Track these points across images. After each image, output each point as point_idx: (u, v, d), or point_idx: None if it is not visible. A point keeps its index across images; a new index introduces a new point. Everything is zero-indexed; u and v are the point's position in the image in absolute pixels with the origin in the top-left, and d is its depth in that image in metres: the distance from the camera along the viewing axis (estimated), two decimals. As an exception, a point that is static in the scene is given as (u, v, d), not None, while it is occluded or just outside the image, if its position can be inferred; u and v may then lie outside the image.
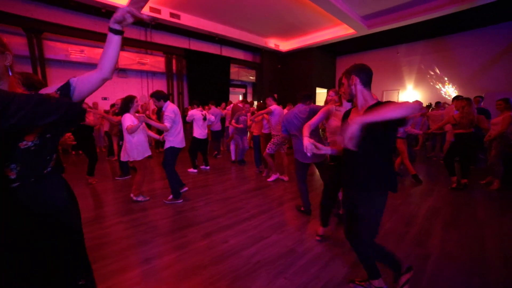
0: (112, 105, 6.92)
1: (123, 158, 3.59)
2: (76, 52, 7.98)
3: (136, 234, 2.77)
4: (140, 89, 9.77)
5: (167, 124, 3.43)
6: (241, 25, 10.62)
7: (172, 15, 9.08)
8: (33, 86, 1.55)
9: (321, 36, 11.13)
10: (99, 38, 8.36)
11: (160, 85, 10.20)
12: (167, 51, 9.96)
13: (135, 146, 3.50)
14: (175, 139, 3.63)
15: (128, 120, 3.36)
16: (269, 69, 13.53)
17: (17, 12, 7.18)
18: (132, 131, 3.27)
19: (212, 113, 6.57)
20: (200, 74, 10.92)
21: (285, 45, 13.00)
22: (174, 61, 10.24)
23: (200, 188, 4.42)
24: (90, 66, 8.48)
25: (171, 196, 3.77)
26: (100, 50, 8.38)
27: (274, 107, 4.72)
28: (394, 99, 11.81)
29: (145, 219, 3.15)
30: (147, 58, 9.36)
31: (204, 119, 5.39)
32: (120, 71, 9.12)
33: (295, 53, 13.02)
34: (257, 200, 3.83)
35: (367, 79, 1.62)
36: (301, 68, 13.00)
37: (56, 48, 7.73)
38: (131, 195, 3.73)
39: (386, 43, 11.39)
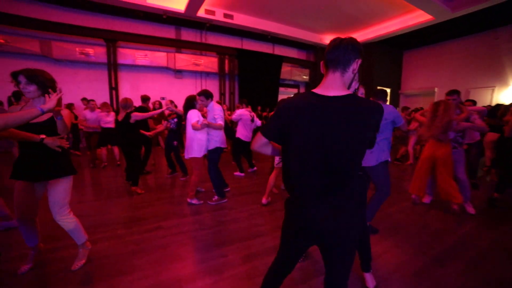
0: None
1: (187, 155, 3.52)
2: (141, 56, 8.71)
3: (172, 245, 2.51)
4: (194, 89, 10.16)
5: (221, 122, 3.38)
6: (295, 21, 10.03)
7: (225, 15, 9.13)
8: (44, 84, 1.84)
9: (386, 28, 9.66)
10: (160, 43, 9.00)
11: (213, 85, 10.43)
12: (220, 52, 10.10)
13: (197, 143, 3.44)
14: (221, 138, 3.56)
15: (195, 116, 3.37)
16: (324, 67, 12.50)
17: (100, 26, 8.22)
18: (196, 128, 3.31)
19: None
20: (251, 74, 10.77)
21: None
22: (226, 61, 10.33)
23: (244, 195, 4.03)
24: (152, 68, 9.19)
25: (216, 197, 3.61)
26: (159, 54, 8.98)
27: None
28: (487, 98, 9.40)
29: (185, 227, 2.90)
30: (202, 59, 9.65)
31: (252, 120, 5.02)
32: (177, 72, 9.62)
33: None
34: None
35: None
36: (360, 65, 11.59)
37: (126, 54, 8.58)
38: (188, 198, 3.62)
39: (475, 28, 9.14)
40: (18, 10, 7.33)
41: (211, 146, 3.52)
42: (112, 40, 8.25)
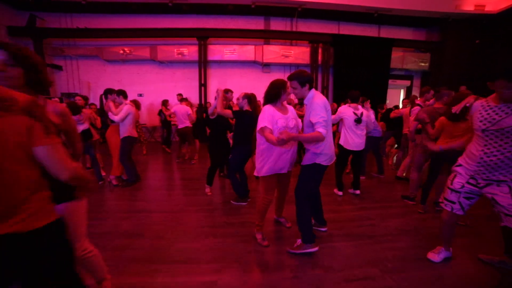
0: None
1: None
2: (229, 51, 8.47)
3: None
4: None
5: (321, 130, 1.93)
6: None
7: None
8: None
9: None
10: (248, 35, 8.50)
11: (303, 79, 9.16)
12: (313, 39, 8.70)
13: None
14: (327, 151, 2.11)
15: (266, 117, 2.25)
16: (455, 49, 9.03)
17: (193, 26, 8.51)
18: (271, 141, 2.25)
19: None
20: (349, 64, 8.84)
21: (498, 2, 8.06)
22: (320, 50, 8.82)
23: (338, 228, 2.52)
24: (240, 63, 8.83)
25: (299, 241, 2.18)
26: (247, 48, 8.47)
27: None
28: None
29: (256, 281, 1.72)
30: (291, 50, 8.55)
31: (358, 121, 3.35)
32: (264, 66, 8.91)
33: (519, 13, 7.78)
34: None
35: None
36: None
37: (215, 50, 8.53)
38: (254, 230, 2.41)
39: None
40: (134, 24, 8.44)
41: (306, 161, 2.17)
42: (203, 37, 8.34)
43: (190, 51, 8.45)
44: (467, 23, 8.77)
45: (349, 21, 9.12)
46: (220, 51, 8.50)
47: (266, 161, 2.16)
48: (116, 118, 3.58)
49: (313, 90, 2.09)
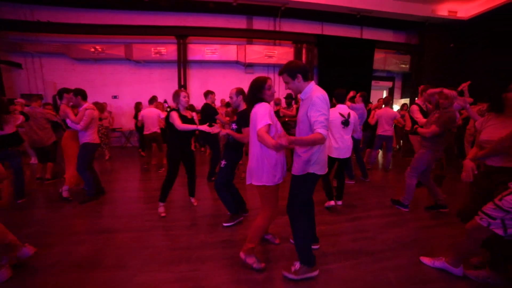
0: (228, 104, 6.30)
1: (249, 179, 1.97)
2: (211, 51, 8.08)
3: None
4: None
5: (321, 131, 1.58)
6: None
7: (306, -6, 7.55)
8: None
9: None
10: (230, 34, 8.17)
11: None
12: (297, 40, 8.53)
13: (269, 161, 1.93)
14: (321, 158, 1.79)
15: (264, 115, 1.84)
16: (433, 52, 9.29)
17: (172, 24, 8.02)
18: (265, 143, 1.85)
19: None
20: (333, 65, 8.77)
21: (469, 9, 8.42)
22: (304, 51, 8.66)
23: (332, 245, 2.23)
24: (222, 63, 8.44)
25: (298, 265, 1.83)
26: (229, 47, 8.12)
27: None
28: None
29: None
30: (275, 50, 8.31)
31: (346, 123, 2.94)
32: (247, 66, 8.60)
33: (485, 21, 8.15)
34: None
35: None
36: (497, 45, 7.94)
37: (196, 50, 8.09)
38: (241, 254, 1.97)
39: None
40: (108, 20, 7.80)
41: (298, 170, 1.81)
42: (183, 36, 7.88)
43: (168, 50, 7.95)
44: (442, 28, 9.05)
45: (333, 22, 9.08)
46: (200, 50, 8.08)
47: (277, 168, 1.83)
48: (78, 127, 3.07)
49: (312, 83, 1.78)
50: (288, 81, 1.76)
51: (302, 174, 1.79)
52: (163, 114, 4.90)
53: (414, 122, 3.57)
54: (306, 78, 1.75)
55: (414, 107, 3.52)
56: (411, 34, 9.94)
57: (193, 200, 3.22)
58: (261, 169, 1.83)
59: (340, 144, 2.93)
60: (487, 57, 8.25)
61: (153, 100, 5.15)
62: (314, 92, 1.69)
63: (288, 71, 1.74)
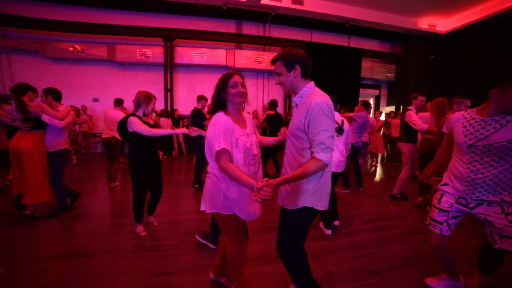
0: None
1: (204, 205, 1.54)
2: (199, 55, 7.86)
3: None
4: (255, 90, 8.79)
5: (321, 156, 1.19)
6: (380, 2, 7.79)
7: (294, 1, 7.59)
8: None
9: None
10: (219, 38, 8.01)
11: (277, 86, 8.87)
12: (286, 46, 8.35)
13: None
14: (325, 188, 1.37)
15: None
16: (416, 62, 9.65)
17: (159, 25, 7.75)
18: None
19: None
20: (323, 72, 8.80)
21: (446, 24, 8.90)
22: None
23: (334, 263, 2.06)
24: (210, 68, 8.22)
25: None
26: (218, 52, 7.94)
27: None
28: None
29: None
30: (264, 55, 8.24)
31: (339, 131, 2.70)
32: (236, 71, 8.44)
33: (462, 35, 8.63)
34: None
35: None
36: (472, 57, 8.42)
37: (183, 53, 7.84)
38: (211, 274, 1.81)
39: None
40: (88, 18, 7.37)
41: (292, 201, 1.34)
42: (170, 38, 7.62)
43: (154, 52, 7.64)
44: (424, 40, 9.46)
45: (321, 29, 9.20)
46: (188, 54, 7.83)
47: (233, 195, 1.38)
48: (61, 123, 2.74)
49: (311, 83, 1.33)
50: (282, 72, 1.32)
51: (297, 209, 1.32)
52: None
53: (408, 129, 3.54)
54: (306, 75, 1.32)
55: (411, 112, 3.48)
56: (395, 45, 10.31)
57: (152, 219, 2.74)
58: (216, 192, 1.40)
59: (334, 156, 2.47)
60: (465, 68, 8.67)
61: (119, 102, 4.56)
62: (314, 97, 1.22)
63: (284, 58, 1.30)
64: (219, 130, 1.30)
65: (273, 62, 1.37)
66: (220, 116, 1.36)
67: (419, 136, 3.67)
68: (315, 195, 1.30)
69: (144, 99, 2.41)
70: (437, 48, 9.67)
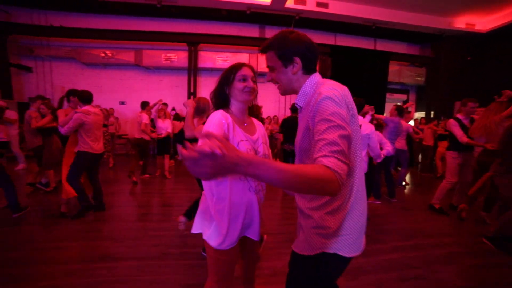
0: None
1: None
2: (222, 59, 7.92)
3: None
4: (277, 95, 8.68)
5: (329, 162, 0.67)
6: (410, 2, 7.40)
7: (319, 4, 7.42)
8: None
9: None
10: (242, 42, 8.02)
11: (299, 90, 8.71)
12: (310, 49, 8.34)
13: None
14: (353, 225, 0.85)
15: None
16: (450, 64, 9.01)
17: (182, 30, 7.93)
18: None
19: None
20: (348, 76, 8.50)
21: (487, 22, 8.21)
22: (318, 61, 8.47)
23: (375, 285, 1.82)
24: (232, 72, 8.26)
25: None
26: (241, 56, 7.95)
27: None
28: None
29: None
30: (287, 59, 8.10)
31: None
32: (259, 75, 8.36)
33: (505, 34, 7.91)
34: None
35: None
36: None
37: (207, 57, 7.96)
38: None
39: None
40: (118, 25, 7.72)
41: (307, 245, 0.88)
42: (194, 43, 7.76)
43: (179, 57, 7.81)
44: (459, 40, 8.82)
45: (346, 33, 8.92)
46: (211, 58, 7.93)
47: (232, 222, 1.09)
48: (62, 130, 2.82)
49: (315, 75, 0.91)
50: (275, 66, 0.90)
51: (314, 254, 0.85)
52: (147, 121, 4.72)
53: (451, 136, 3.24)
54: (309, 69, 0.91)
55: (452, 121, 3.17)
56: (425, 47, 9.73)
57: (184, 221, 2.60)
58: (207, 216, 1.15)
59: None
60: (506, 70, 7.94)
61: (145, 105, 4.97)
62: (322, 87, 0.81)
63: (279, 47, 0.88)
64: (213, 126, 1.04)
65: (263, 50, 0.93)
66: (216, 113, 1.08)
67: None
68: (340, 236, 0.83)
69: (208, 106, 2.32)
70: (475, 49, 8.98)
